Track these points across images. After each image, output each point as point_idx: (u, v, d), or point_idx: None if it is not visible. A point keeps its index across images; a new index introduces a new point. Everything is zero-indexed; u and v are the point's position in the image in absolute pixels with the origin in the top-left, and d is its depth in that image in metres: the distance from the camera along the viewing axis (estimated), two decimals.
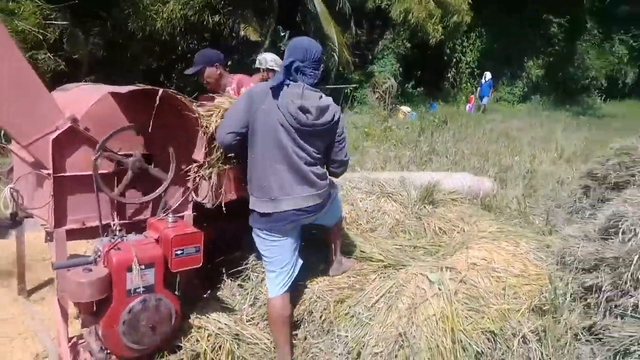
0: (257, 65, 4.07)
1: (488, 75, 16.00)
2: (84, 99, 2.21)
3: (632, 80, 21.83)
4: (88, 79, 8.81)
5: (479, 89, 16.65)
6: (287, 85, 2.26)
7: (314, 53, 2.28)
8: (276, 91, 2.25)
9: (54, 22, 7.82)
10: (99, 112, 2.13)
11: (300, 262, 2.51)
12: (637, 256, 2.25)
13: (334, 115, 2.33)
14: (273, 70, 3.92)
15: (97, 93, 2.19)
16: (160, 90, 2.12)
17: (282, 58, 2.58)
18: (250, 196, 2.38)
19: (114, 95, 2.14)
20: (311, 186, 2.33)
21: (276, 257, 2.41)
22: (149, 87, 2.14)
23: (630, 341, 1.96)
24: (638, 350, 1.90)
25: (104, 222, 2.20)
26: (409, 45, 16.97)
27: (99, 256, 2.08)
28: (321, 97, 2.32)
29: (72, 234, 2.19)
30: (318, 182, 2.36)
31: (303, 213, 2.34)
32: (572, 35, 20.39)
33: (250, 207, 2.38)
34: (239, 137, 2.27)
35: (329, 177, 2.49)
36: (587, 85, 21.19)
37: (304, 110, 2.21)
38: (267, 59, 3.99)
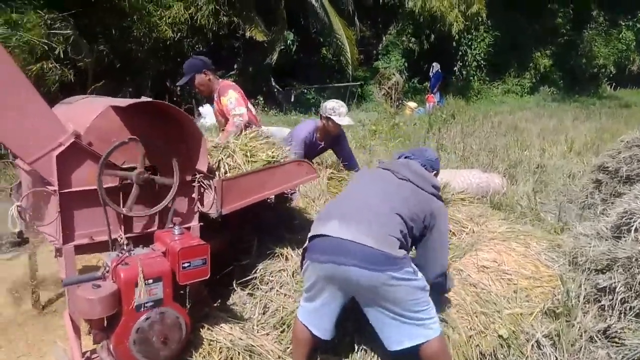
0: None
1: (436, 66, 14.75)
2: (86, 113, 2.21)
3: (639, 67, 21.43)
4: (95, 86, 8.87)
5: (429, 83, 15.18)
6: None
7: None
8: None
9: (58, 31, 7.86)
10: (101, 126, 2.12)
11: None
12: None
13: None
14: (330, 118, 3.81)
15: (98, 107, 2.19)
16: (159, 103, 2.12)
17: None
18: None
19: (115, 108, 2.14)
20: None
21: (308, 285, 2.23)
22: (149, 99, 2.14)
23: None
24: None
25: (112, 236, 2.20)
26: (413, 39, 16.85)
27: (107, 271, 2.08)
28: None
29: (81, 249, 2.20)
30: None
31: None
32: (578, 24, 20.08)
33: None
34: None
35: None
36: (595, 74, 20.85)
37: None
38: (327, 106, 3.87)
